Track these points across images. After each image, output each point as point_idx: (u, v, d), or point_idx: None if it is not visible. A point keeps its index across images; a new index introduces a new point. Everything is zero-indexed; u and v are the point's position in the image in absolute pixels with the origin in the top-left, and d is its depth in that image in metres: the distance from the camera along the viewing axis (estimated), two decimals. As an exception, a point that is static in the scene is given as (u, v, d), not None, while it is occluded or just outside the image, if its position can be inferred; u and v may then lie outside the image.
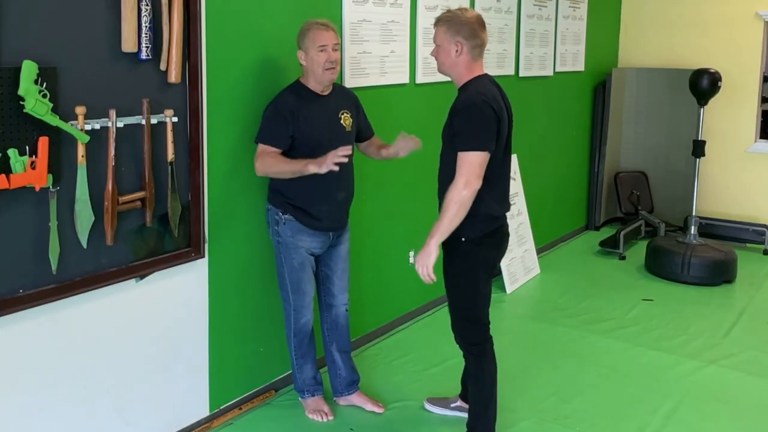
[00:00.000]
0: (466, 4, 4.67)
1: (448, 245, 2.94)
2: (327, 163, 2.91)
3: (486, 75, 2.96)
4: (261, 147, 3.10)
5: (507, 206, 3.03)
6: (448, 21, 2.88)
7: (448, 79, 3.00)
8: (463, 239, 2.88)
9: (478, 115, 2.78)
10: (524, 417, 3.37)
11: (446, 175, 2.90)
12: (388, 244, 4.23)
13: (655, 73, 6.65)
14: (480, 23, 2.89)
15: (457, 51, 2.86)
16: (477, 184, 2.76)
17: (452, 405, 3.41)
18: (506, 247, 3.09)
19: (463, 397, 3.39)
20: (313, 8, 3.52)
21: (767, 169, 6.34)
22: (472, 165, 2.75)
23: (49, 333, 2.59)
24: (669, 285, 5.28)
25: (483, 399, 3.02)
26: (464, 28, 2.84)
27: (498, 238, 3.00)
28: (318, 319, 3.41)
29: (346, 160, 2.95)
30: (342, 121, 3.21)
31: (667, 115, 6.60)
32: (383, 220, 4.13)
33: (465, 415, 3.36)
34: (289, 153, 3.09)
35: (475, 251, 2.91)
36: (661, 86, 6.61)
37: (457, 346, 3.08)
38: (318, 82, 3.12)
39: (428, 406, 3.46)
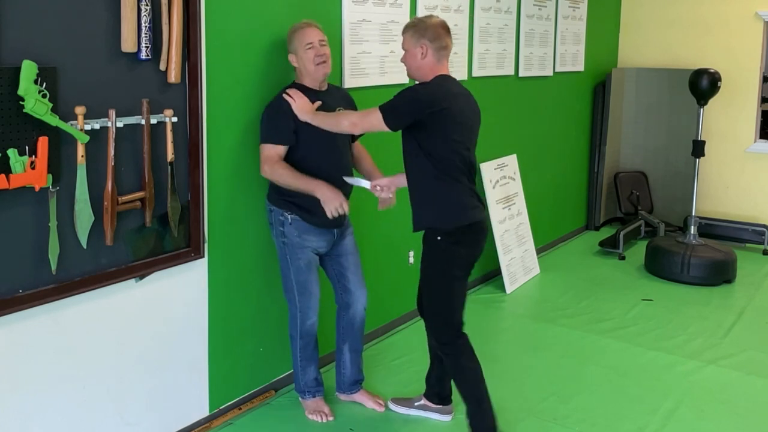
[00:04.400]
0: (466, 5, 4.67)
1: (426, 243, 3.00)
2: (329, 208, 3.00)
3: (450, 76, 3.02)
4: (268, 147, 3.10)
5: (478, 199, 3.03)
6: (413, 27, 3.02)
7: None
8: (439, 238, 2.93)
9: (402, 99, 2.91)
10: (524, 417, 3.37)
11: (408, 166, 3.01)
12: (388, 245, 4.23)
13: (655, 73, 6.65)
14: (444, 27, 3.01)
15: (422, 53, 2.97)
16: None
17: (416, 404, 3.40)
18: (483, 245, 3.09)
19: (428, 396, 3.38)
20: (313, 8, 3.52)
21: (767, 169, 6.34)
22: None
23: (49, 333, 2.59)
24: (669, 285, 5.28)
25: (473, 396, 3.04)
26: (428, 32, 2.96)
27: (474, 235, 3.01)
28: (324, 317, 3.40)
29: (344, 213, 3.05)
30: None
31: (666, 115, 6.60)
32: (383, 220, 4.13)
33: (428, 414, 3.36)
34: (290, 149, 3.10)
35: (450, 249, 2.95)
36: (660, 86, 6.61)
37: (433, 347, 3.10)
38: (313, 79, 3.15)
39: (392, 406, 3.44)
